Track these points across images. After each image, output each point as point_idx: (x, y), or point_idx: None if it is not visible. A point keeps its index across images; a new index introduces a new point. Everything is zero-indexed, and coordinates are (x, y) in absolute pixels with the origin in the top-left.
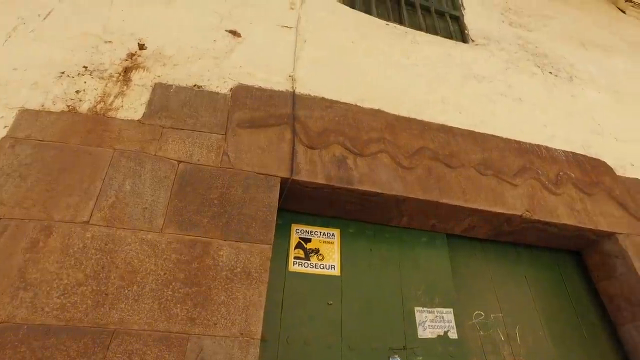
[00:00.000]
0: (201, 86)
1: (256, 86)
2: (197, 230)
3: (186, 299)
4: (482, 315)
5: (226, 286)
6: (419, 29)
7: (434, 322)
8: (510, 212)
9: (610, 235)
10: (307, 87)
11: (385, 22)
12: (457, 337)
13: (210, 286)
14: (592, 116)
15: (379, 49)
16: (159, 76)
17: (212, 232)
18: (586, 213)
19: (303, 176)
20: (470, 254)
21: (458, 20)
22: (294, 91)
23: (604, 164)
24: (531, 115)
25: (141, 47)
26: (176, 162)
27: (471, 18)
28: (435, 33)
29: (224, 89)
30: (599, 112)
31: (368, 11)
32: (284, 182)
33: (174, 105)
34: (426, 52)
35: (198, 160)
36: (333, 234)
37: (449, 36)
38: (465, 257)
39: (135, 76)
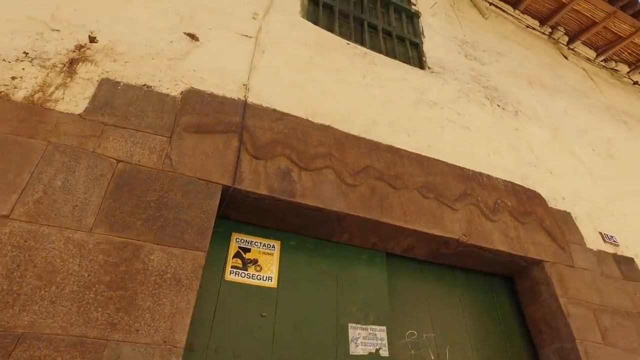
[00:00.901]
0: (151, 86)
1: (208, 92)
2: (129, 232)
3: (109, 303)
4: (414, 334)
5: (154, 291)
6: (379, 51)
7: (366, 339)
8: (449, 235)
9: (538, 263)
10: (260, 97)
11: (346, 41)
12: (388, 355)
13: (136, 291)
14: (532, 150)
15: (336, 66)
16: (107, 72)
17: (144, 235)
18: (519, 241)
19: (245, 185)
20: (409, 273)
21: (417, 47)
22: (245, 100)
23: (538, 195)
24: (477, 144)
25: (92, 39)
26: (115, 160)
27: (430, 46)
28: (394, 57)
29: (175, 91)
30: (539, 147)
31: (330, 29)
32: (225, 190)
33: (119, 102)
34: (383, 74)
35: (139, 160)
36: (273, 246)
37: (407, 61)
38: (404, 277)
39: (82, 69)
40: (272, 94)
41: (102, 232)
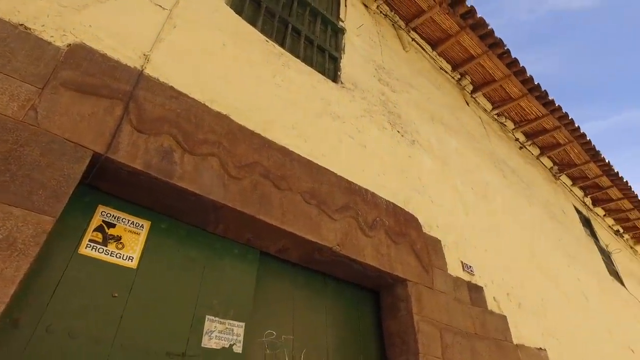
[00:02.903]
0: (30, 28)
1: (101, 52)
2: None
3: None
4: (273, 334)
5: None
6: (297, 56)
7: (222, 334)
8: (324, 242)
9: (403, 281)
10: (158, 71)
11: (266, 38)
12: (241, 352)
13: None
14: (420, 178)
15: (248, 59)
16: None
17: None
18: (389, 258)
19: (120, 156)
20: (280, 275)
21: (336, 61)
22: (142, 70)
23: (415, 219)
24: (369, 162)
25: None
26: None
27: (347, 63)
28: (310, 64)
29: (61, 42)
30: (426, 176)
31: (253, 23)
32: (96, 157)
33: None
34: (294, 78)
35: None
36: (142, 226)
37: (322, 72)
38: (274, 277)
39: None
40: (172, 71)
41: None
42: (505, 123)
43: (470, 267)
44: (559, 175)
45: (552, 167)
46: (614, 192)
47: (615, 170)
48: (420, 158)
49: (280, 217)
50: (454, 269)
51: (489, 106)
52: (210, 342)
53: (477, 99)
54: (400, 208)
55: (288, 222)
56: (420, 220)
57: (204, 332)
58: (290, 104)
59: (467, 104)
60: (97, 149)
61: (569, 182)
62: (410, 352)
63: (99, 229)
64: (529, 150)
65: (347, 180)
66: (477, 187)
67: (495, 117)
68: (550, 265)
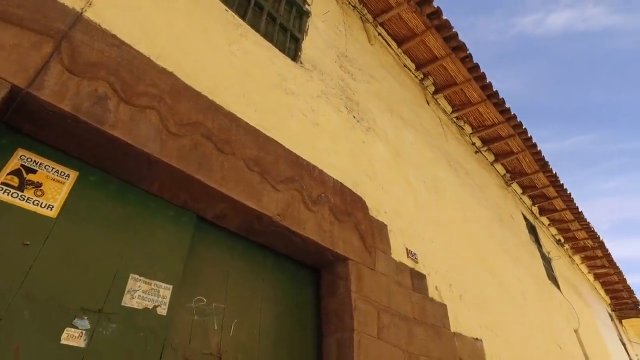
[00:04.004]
0: None
1: None
2: None
3: None
4: (203, 301)
5: None
6: (257, 30)
7: (146, 294)
8: (264, 211)
9: (344, 260)
10: (101, 17)
11: (226, 7)
12: (165, 314)
13: None
14: (372, 164)
15: (204, 24)
16: None
17: None
18: (331, 235)
19: (45, 94)
20: (217, 242)
21: (297, 42)
22: (81, 13)
23: (363, 202)
24: (320, 141)
25: None
26: None
27: (309, 45)
28: (271, 41)
29: None
30: (378, 163)
31: None
32: (16, 91)
33: None
34: (251, 50)
35: None
36: (68, 175)
37: (282, 50)
38: (210, 245)
39: None
40: (118, 19)
41: None
42: (463, 127)
43: (414, 254)
44: (510, 182)
45: (504, 175)
46: (559, 203)
47: (561, 182)
48: (374, 145)
49: (219, 179)
50: (398, 255)
51: (449, 109)
52: (132, 301)
53: (438, 100)
54: (348, 189)
55: (228, 186)
56: (367, 204)
57: (126, 291)
58: (243, 73)
59: (428, 104)
60: (16, 81)
61: (519, 190)
62: (346, 328)
63: (16, 172)
64: (484, 156)
65: (295, 154)
66: (429, 181)
67: (455, 120)
68: (494, 264)
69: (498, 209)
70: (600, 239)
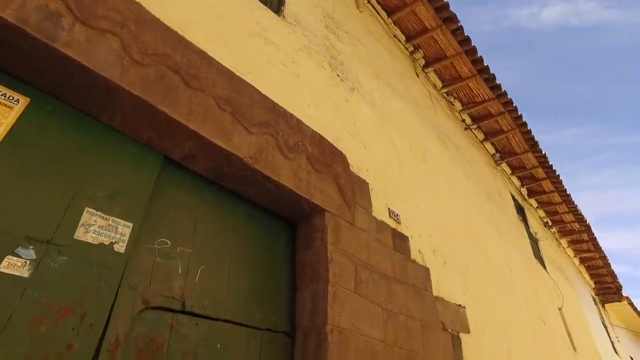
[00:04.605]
0: None
1: None
2: None
3: None
4: (167, 244)
5: None
6: None
7: (102, 229)
8: (233, 151)
9: (321, 211)
10: None
11: None
12: (123, 252)
13: None
14: (355, 122)
15: None
16: None
17: None
18: (307, 184)
19: None
20: (185, 186)
21: None
22: None
23: (344, 157)
24: (301, 93)
25: None
26: None
27: (294, 1)
28: None
29: None
30: (362, 122)
31: None
32: None
33: None
34: None
35: None
36: (17, 100)
37: (264, 2)
38: (178, 188)
39: None
40: None
41: None
42: (453, 103)
43: (397, 215)
44: (500, 162)
45: (494, 154)
46: (547, 185)
47: (550, 163)
48: (358, 105)
49: (186, 114)
50: (380, 213)
51: (439, 83)
52: (86, 235)
53: (428, 74)
54: (328, 141)
55: (195, 122)
56: (348, 159)
57: (80, 224)
58: (220, 17)
59: (417, 76)
60: None
61: (508, 170)
62: (321, 280)
63: None
64: (474, 134)
65: (272, 100)
66: (416, 149)
67: (445, 95)
68: (481, 236)
69: (487, 186)
70: (587, 222)
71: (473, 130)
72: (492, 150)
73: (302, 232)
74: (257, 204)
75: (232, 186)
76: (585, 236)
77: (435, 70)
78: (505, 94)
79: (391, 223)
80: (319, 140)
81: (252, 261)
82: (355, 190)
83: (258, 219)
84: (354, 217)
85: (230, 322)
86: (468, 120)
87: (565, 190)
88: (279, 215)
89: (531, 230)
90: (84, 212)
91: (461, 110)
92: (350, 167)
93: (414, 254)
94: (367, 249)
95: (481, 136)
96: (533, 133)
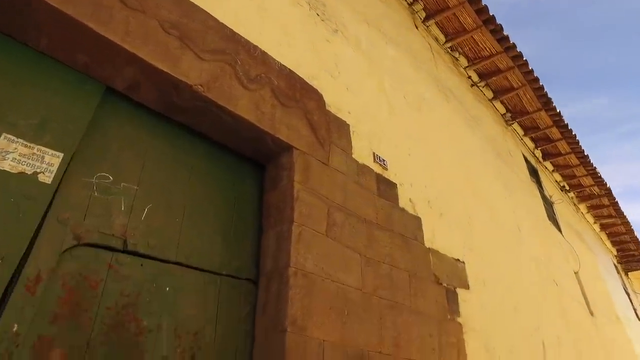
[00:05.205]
0: None
1: None
2: None
3: None
4: (108, 178)
5: None
6: None
7: (24, 158)
8: (181, 77)
9: (289, 149)
10: None
11: None
12: (49, 183)
13: None
14: (336, 64)
15: None
16: None
17: None
18: (272, 118)
19: None
20: (133, 119)
21: None
22: None
23: (319, 95)
24: (271, 28)
25: None
26: None
27: None
28: None
29: None
30: (345, 65)
31: None
32: None
33: None
34: None
35: None
36: None
37: None
38: (124, 120)
39: None
40: None
41: None
42: (458, 58)
43: (384, 160)
44: (511, 122)
45: (505, 114)
46: (563, 146)
47: (565, 122)
48: (341, 47)
49: (122, 34)
50: (362, 157)
51: (442, 38)
52: (3, 163)
53: (429, 27)
54: (300, 77)
55: (133, 43)
56: (325, 99)
57: None
58: None
59: (417, 28)
60: None
61: (521, 132)
62: (285, 221)
63: None
64: (482, 92)
65: (231, 29)
66: (411, 98)
67: (449, 50)
68: (486, 191)
69: (495, 144)
70: (607, 185)
71: (481, 88)
72: (502, 110)
73: (270, 173)
74: (220, 143)
75: (185, 119)
76: (605, 201)
77: (437, 23)
78: (514, 46)
79: (376, 168)
80: (288, 75)
81: (214, 203)
82: (331, 129)
83: (222, 159)
84: (328, 156)
85: (182, 264)
86: (475, 78)
87: (583, 151)
88: (247, 157)
89: (545, 193)
90: (1, 139)
91: (467, 66)
92: (328, 107)
93: (404, 203)
94: (344, 192)
95: (490, 94)
96: (542, 85)
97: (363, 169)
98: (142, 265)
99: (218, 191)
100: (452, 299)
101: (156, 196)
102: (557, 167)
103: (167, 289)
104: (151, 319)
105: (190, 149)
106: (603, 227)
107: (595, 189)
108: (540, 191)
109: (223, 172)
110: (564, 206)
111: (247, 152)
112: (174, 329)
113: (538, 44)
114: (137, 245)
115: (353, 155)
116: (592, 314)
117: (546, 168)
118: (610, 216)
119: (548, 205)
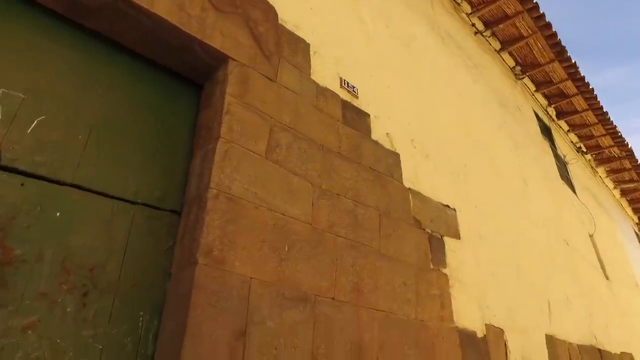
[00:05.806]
0: None
1: None
2: None
3: None
4: None
5: None
6: None
7: None
8: None
9: (224, 60)
10: None
11: None
12: None
13: None
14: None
15: None
16: None
17: None
18: (201, 22)
19: None
20: (34, 23)
21: None
22: None
23: (270, 5)
24: None
25: None
26: None
27: None
28: None
29: None
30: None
31: None
32: None
33: None
34: None
35: None
36: None
37: None
38: (20, 23)
39: None
40: None
41: None
42: (460, 3)
43: (353, 87)
44: (521, 76)
45: (514, 67)
46: (579, 102)
47: (582, 75)
48: None
49: None
50: (324, 79)
51: None
52: None
53: None
54: None
55: None
56: (279, 12)
57: None
58: None
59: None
60: None
61: (532, 87)
62: (212, 138)
63: None
64: (489, 42)
65: None
66: (397, 32)
67: None
68: (487, 140)
69: (501, 95)
70: (629, 146)
71: (487, 37)
72: (511, 63)
73: (205, 90)
74: (149, 58)
75: (99, 26)
76: (627, 163)
77: None
78: None
79: (342, 94)
80: None
81: (136, 126)
82: (282, 44)
83: (152, 78)
84: (276, 72)
85: (81, 187)
86: (480, 26)
87: (602, 107)
88: (183, 76)
89: (559, 152)
90: None
91: (470, 13)
92: (281, 21)
93: (378, 136)
94: (296, 112)
95: (497, 45)
96: (555, 32)
97: (324, 92)
98: (22, 184)
99: (142, 112)
100: (437, 247)
101: (53, 109)
102: (572, 127)
103: (58, 214)
104: (28, 247)
105: (110, 63)
106: (624, 192)
107: (615, 150)
108: (552, 149)
109: (151, 91)
110: (579, 168)
111: (182, 69)
112: (60, 261)
113: (559, 11)
114: (16, 160)
115: (312, 77)
116: (607, 277)
117: (560, 127)
118: (632, 180)
119: (561, 164)
